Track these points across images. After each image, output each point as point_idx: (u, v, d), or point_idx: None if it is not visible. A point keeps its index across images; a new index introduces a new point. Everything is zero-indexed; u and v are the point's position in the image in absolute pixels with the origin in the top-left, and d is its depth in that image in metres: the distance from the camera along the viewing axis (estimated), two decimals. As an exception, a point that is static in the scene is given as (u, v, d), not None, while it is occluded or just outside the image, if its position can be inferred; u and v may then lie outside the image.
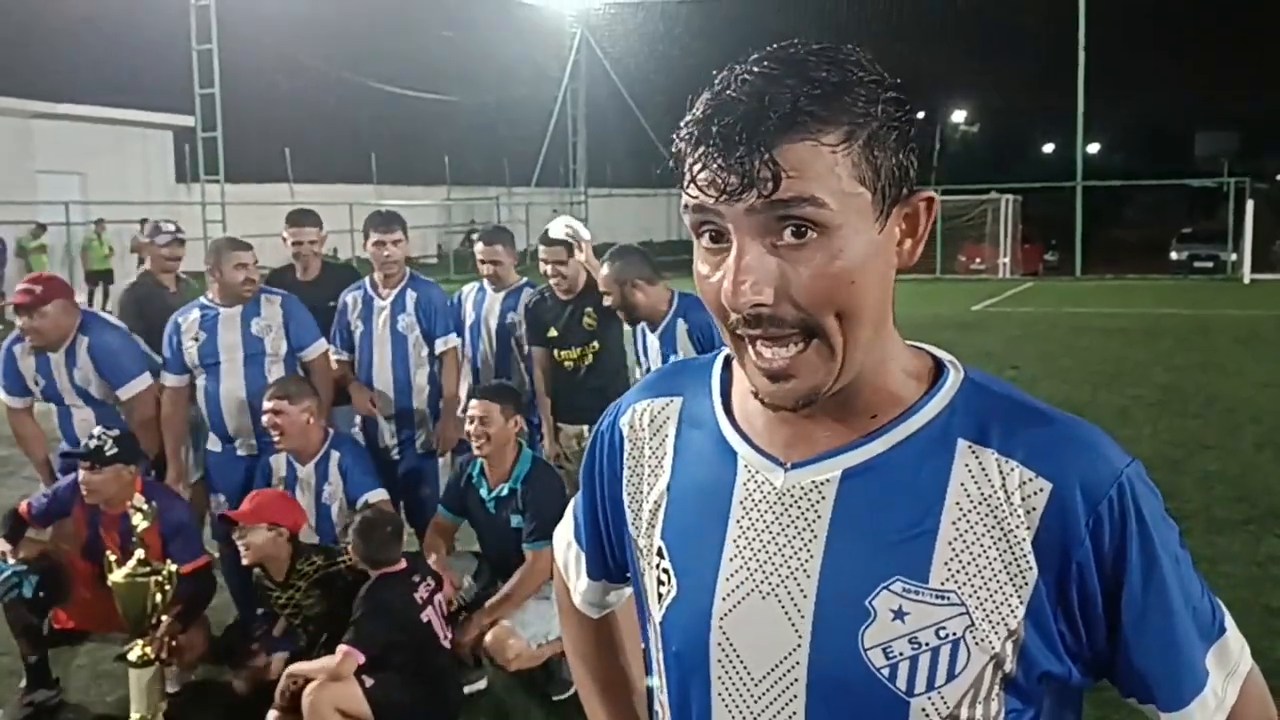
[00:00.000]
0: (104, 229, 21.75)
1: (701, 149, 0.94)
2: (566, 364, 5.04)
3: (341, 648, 3.63)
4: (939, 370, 1.06)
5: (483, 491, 4.39)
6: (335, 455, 4.49)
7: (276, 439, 4.41)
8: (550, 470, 4.48)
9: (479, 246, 5.43)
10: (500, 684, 4.37)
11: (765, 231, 0.93)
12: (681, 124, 0.99)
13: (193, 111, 24.33)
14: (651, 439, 1.17)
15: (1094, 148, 40.67)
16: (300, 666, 3.64)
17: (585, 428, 4.96)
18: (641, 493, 1.17)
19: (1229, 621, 1.07)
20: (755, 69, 0.95)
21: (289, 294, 4.89)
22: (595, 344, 4.97)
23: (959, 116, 64.60)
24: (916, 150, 0.99)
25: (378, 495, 4.44)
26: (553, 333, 5.05)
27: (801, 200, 0.91)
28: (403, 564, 3.89)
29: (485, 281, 5.40)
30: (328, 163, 34.27)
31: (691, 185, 0.96)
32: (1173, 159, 39.19)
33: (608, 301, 4.51)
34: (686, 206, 0.98)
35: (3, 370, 4.70)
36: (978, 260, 29.44)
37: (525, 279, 5.43)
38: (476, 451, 4.35)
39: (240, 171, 26.94)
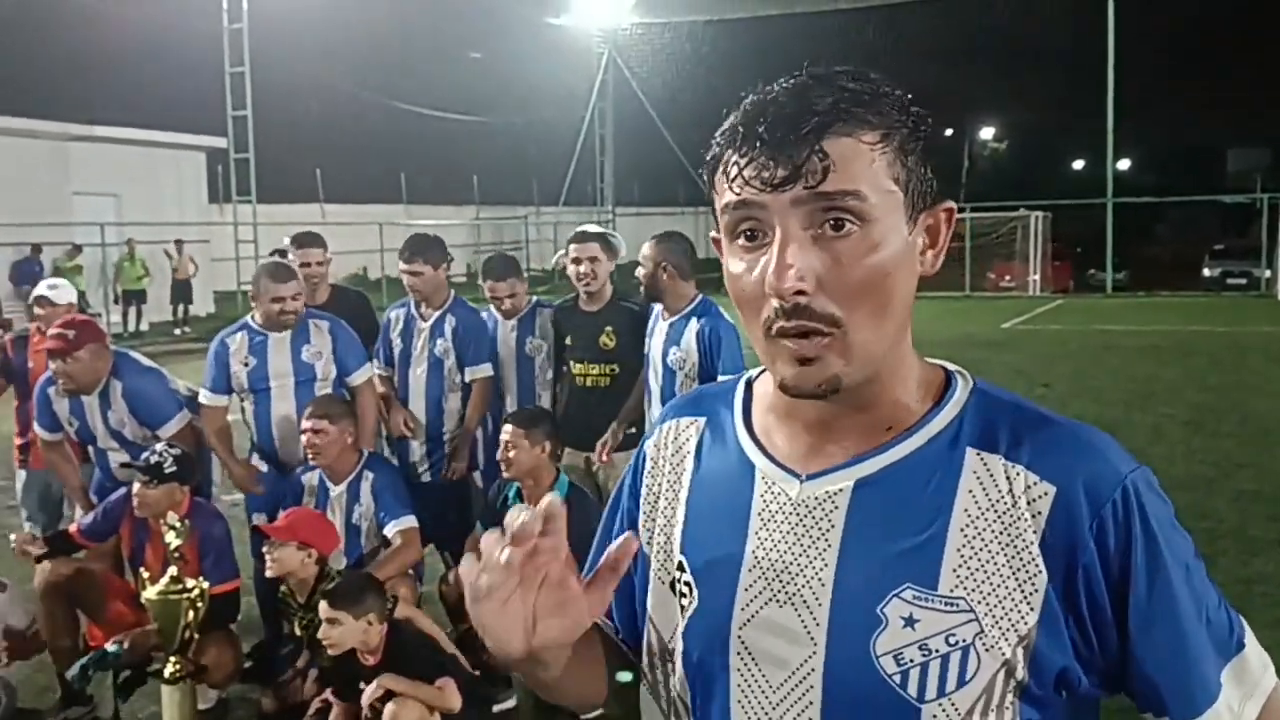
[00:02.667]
0: (135, 249, 22.01)
1: (747, 145, 0.98)
2: (578, 380, 4.95)
3: (445, 680, 3.61)
4: (949, 382, 1.09)
5: None
6: (369, 476, 4.50)
7: (314, 457, 4.44)
8: (586, 498, 4.44)
9: (489, 283, 5.25)
10: (529, 702, 4.37)
11: (808, 223, 0.97)
12: (718, 132, 1.04)
13: (225, 133, 24.60)
14: (673, 456, 1.20)
15: (1124, 164, 40.40)
16: (397, 684, 3.58)
17: (591, 456, 4.87)
18: (658, 509, 1.20)
19: (1250, 638, 1.06)
20: (788, 82, 1.01)
21: (336, 319, 4.87)
22: (613, 367, 4.87)
23: (987, 134, 64.33)
24: (935, 169, 1.03)
25: (406, 524, 4.40)
26: (569, 340, 5.00)
27: (845, 193, 0.96)
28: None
29: (492, 309, 5.30)
30: (358, 183, 34.56)
31: (733, 183, 1.00)
32: (1204, 175, 38.89)
33: (638, 271, 4.52)
34: (726, 207, 1.01)
35: (38, 408, 4.77)
36: (1007, 278, 29.29)
37: (535, 298, 5.37)
38: (505, 474, 4.37)
39: (272, 192, 27.20)
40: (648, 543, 1.21)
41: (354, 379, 4.80)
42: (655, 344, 4.56)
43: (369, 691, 3.59)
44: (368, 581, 3.79)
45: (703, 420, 1.20)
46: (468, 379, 5.08)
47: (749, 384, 1.19)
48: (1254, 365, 13.89)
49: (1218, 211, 39.52)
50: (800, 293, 0.97)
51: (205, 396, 4.79)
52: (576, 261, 4.90)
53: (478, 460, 5.20)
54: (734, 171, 1.00)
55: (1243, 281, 27.61)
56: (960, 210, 31.80)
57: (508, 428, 4.36)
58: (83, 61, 35.22)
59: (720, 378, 4.28)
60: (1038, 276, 29.29)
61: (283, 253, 5.62)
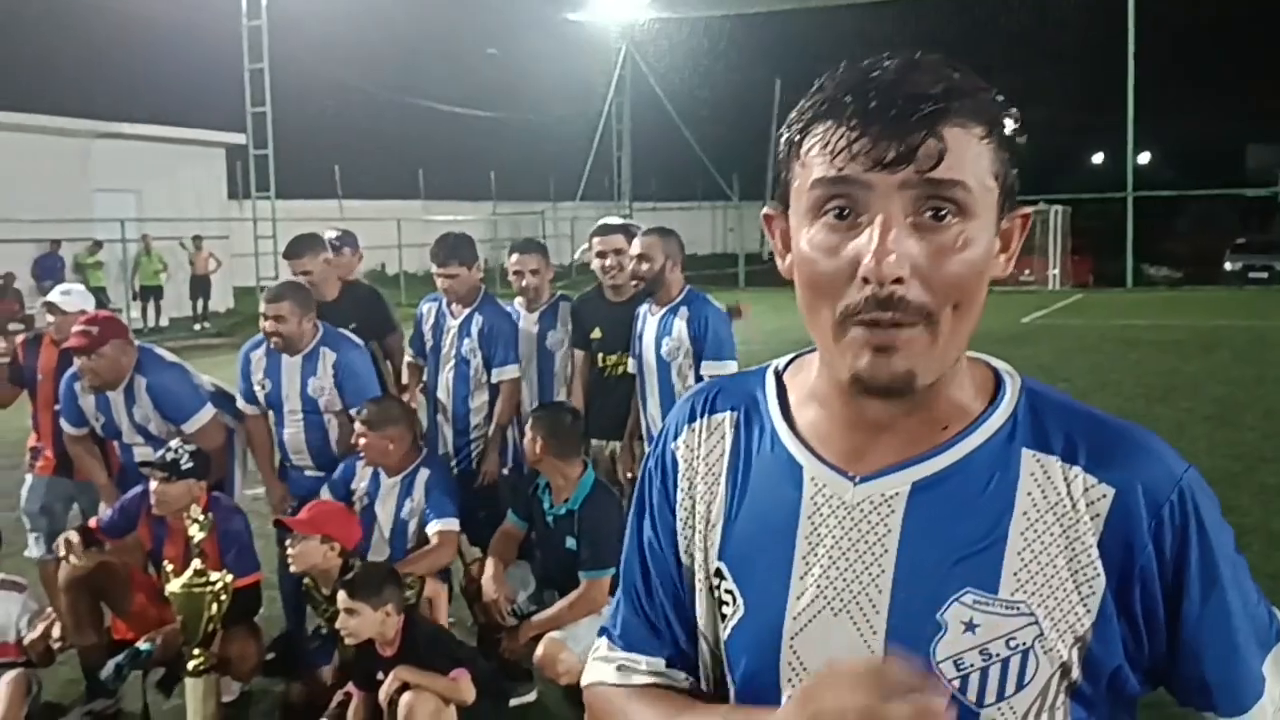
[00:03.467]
0: (151, 244, 22.11)
1: (857, 119, 0.93)
2: (609, 371, 4.93)
3: (460, 671, 3.64)
4: (997, 380, 1.07)
5: (545, 504, 4.42)
6: (425, 473, 4.53)
7: (365, 458, 4.50)
8: (610, 495, 4.46)
9: (514, 257, 5.19)
10: (550, 696, 4.39)
11: (910, 209, 0.94)
12: (807, 102, 0.98)
13: (244, 130, 24.69)
14: (707, 456, 1.15)
15: (1144, 158, 40.09)
16: (411, 675, 3.60)
17: (618, 445, 4.90)
18: (695, 513, 1.14)
19: None
20: (889, 62, 0.96)
21: (347, 348, 4.83)
22: None
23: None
24: (1020, 174, 1.01)
25: (447, 526, 4.42)
26: (597, 333, 4.97)
27: (954, 183, 0.93)
28: None
29: (517, 302, 5.27)
30: (376, 179, 34.65)
31: (834, 157, 0.94)
32: (1224, 170, 38.55)
33: (642, 267, 4.55)
34: (818, 181, 0.96)
35: (63, 403, 4.81)
36: (1026, 272, 29.14)
37: (559, 293, 5.33)
38: (529, 464, 4.39)
39: (291, 188, 27.28)
40: (687, 551, 1.16)
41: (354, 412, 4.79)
42: (646, 339, 4.61)
43: (386, 685, 3.61)
44: (386, 573, 3.81)
45: (735, 415, 1.14)
46: (494, 380, 5.06)
47: (778, 376, 1.14)
48: (1276, 359, 13.78)
49: (1238, 206, 39.20)
50: (898, 281, 0.92)
51: (241, 405, 4.91)
52: (602, 255, 4.89)
53: (507, 458, 5.22)
54: (839, 144, 0.94)
55: (1264, 276, 27.40)
56: (979, 204, 32.20)
57: (530, 419, 4.41)
58: (103, 59, 35.43)
59: (710, 363, 4.36)
60: (1057, 271, 29.13)
61: (335, 244, 5.67)
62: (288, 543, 4.09)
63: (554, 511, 4.38)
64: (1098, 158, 54.05)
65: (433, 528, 4.42)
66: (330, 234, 5.81)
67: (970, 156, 0.94)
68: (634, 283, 4.68)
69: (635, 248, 4.63)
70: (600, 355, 4.97)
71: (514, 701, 4.25)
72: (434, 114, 38.59)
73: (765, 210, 1.07)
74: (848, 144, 0.94)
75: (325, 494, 4.66)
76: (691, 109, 36.65)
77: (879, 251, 0.92)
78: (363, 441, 4.44)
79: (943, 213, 0.94)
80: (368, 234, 6.08)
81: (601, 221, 5.12)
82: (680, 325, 4.49)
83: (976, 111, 0.95)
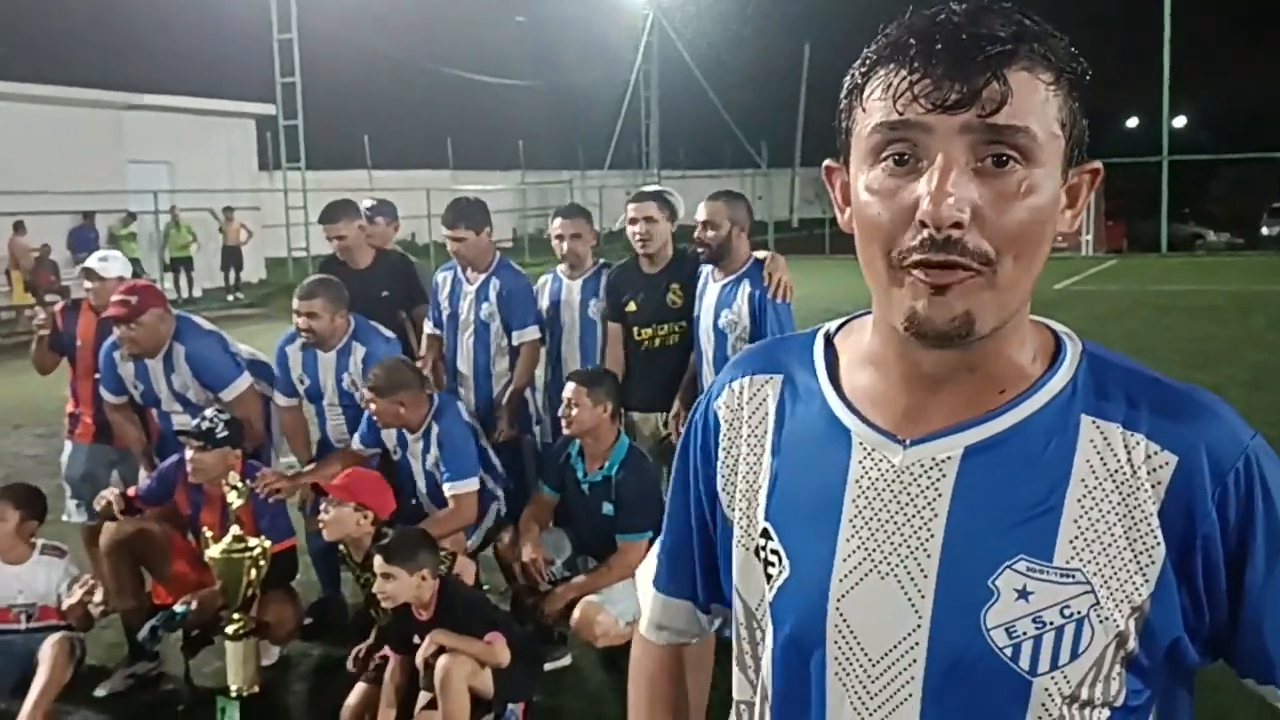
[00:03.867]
0: (179, 216, 22.26)
1: (920, 61, 0.91)
2: (644, 344, 4.87)
3: (495, 635, 3.68)
4: (1058, 344, 1.04)
5: (579, 473, 4.44)
6: (435, 429, 4.54)
7: (379, 423, 4.54)
8: (645, 459, 4.46)
9: (557, 221, 5.14)
10: (583, 660, 4.43)
11: (971, 154, 0.91)
12: (871, 48, 0.97)
13: (274, 100, 24.78)
14: (750, 417, 1.14)
15: (1180, 121, 39.50)
16: (447, 639, 3.64)
17: (660, 417, 4.86)
18: (738, 473, 1.14)
19: None
20: (959, 5, 0.94)
21: (377, 343, 4.87)
22: (682, 324, 4.77)
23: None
24: (1090, 126, 0.98)
25: (463, 488, 4.45)
26: (631, 306, 4.89)
27: (1016, 129, 0.91)
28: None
29: (560, 269, 5.23)
30: (405, 149, 34.76)
31: (897, 100, 0.92)
32: (1261, 134, 37.91)
33: (708, 234, 4.47)
34: (879, 126, 0.94)
35: (103, 372, 4.88)
36: (1059, 238, 28.79)
37: (602, 261, 5.26)
38: (565, 431, 4.41)
39: (321, 158, 27.41)
40: (729, 507, 1.16)
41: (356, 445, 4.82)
42: (706, 306, 4.51)
43: (423, 649, 3.66)
44: (421, 537, 3.85)
45: (779, 378, 1.13)
46: (515, 343, 5.10)
47: (828, 339, 1.13)
48: (1315, 325, 13.61)
49: (1275, 170, 38.60)
50: (957, 225, 0.90)
51: (278, 398, 4.97)
52: (634, 221, 4.84)
53: (529, 422, 5.24)
54: (902, 87, 0.92)
55: (1303, 239, 27.02)
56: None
57: (570, 386, 4.39)
58: (135, 32, 35.58)
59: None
60: (1090, 236, 28.80)
61: (370, 214, 5.69)
62: (321, 508, 4.13)
63: (589, 479, 4.40)
64: (1132, 121, 53.27)
65: (448, 490, 4.46)
66: (367, 203, 5.84)
67: (1036, 102, 0.92)
68: (700, 250, 4.56)
69: (701, 213, 4.52)
70: (635, 328, 4.90)
71: (548, 666, 4.29)
72: (462, 83, 38.56)
73: (826, 163, 1.05)
74: (909, 86, 0.92)
75: (356, 442, 4.74)
76: (719, 75, 36.44)
77: (937, 194, 0.90)
78: (373, 408, 4.47)
79: (1005, 159, 0.91)
80: (397, 203, 6.09)
81: (640, 189, 5.08)
82: (742, 300, 4.39)
83: (1045, 58, 0.92)
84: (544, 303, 5.22)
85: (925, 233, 0.91)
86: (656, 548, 1.33)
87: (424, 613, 3.72)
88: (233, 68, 28.16)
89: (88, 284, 5.13)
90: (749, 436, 1.14)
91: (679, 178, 37.41)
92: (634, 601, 4.51)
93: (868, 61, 0.97)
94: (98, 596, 4.11)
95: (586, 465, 4.42)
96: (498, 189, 31.17)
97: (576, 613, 4.14)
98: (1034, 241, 0.94)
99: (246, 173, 26.08)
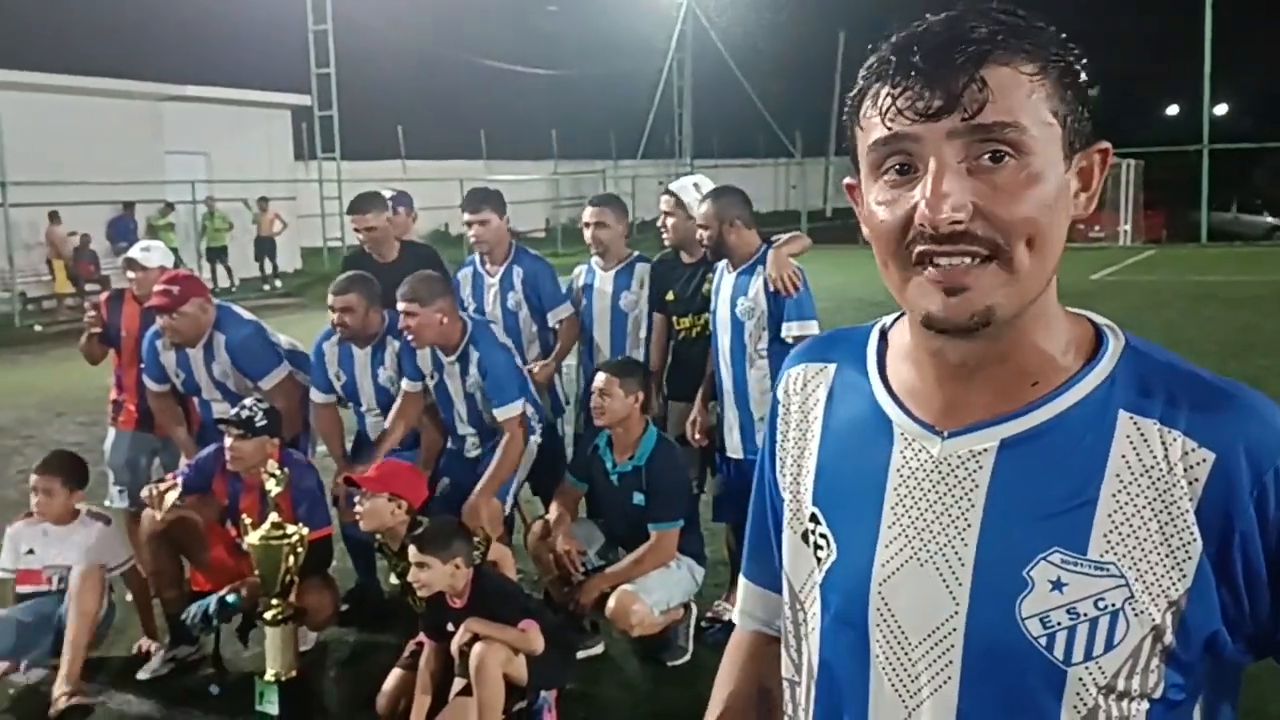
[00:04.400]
0: (215, 206, 22.46)
1: (899, 75, 0.95)
2: (682, 333, 4.91)
3: (528, 622, 3.72)
4: (1099, 337, 1.05)
5: (607, 463, 4.46)
6: (474, 355, 4.58)
7: (413, 341, 4.56)
8: (674, 450, 4.48)
9: (587, 211, 5.20)
10: (616, 649, 4.46)
11: (963, 155, 0.94)
12: (863, 69, 1.00)
13: (310, 91, 24.93)
14: (804, 404, 1.19)
15: (1221, 109, 38.90)
16: (482, 627, 3.69)
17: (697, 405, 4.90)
18: (790, 456, 1.20)
19: None
20: (940, 15, 0.97)
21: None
22: None
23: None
24: (1091, 109, 1.00)
25: (511, 411, 4.54)
26: (670, 296, 4.93)
27: (1004, 124, 0.93)
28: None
29: (594, 261, 5.24)
30: (438, 139, 34.82)
31: (884, 116, 0.96)
32: (1306, 120, 37.33)
33: (701, 235, 4.50)
34: (875, 143, 0.98)
35: (146, 360, 4.96)
36: (1096, 228, 28.52)
37: (636, 252, 5.28)
38: (597, 422, 4.43)
39: (355, 149, 27.54)
40: (783, 489, 1.21)
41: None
42: (722, 299, 4.51)
43: (457, 636, 3.70)
44: (454, 527, 3.90)
45: (832, 368, 1.18)
46: (552, 323, 5.16)
47: (883, 333, 1.16)
48: (1357, 316, 13.40)
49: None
50: (955, 223, 0.93)
51: (314, 394, 5.02)
52: (664, 213, 4.89)
53: (560, 403, 5.27)
54: (886, 104, 0.96)
55: (1346, 229, 26.57)
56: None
57: (601, 376, 4.41)
58: (174, 24, 35.90)
59: (792, 323, 4.28)
60: (1129, 226, 28.48)
61: (397, 204, 5.73)
62: (356, 500, 4.18)
63: (619, 469, 4.42)
64: (1172, 109, 52.57)
65: (499, 415, 4.54)
66: (386, 194, 5.88)
67: (1020, 96, 0.94)
68: (704, 248, 4.58)
69: (698, 214, 4.56)
70: (675, 318, 4.94)
71: (581, 653, 4.33)
72: (495, 73, 38.63)
73: (847, 180, 1.08)
74: (892, 101, 0.95)
75: (405, 384, 4.78)
76: (753, 64, 36.26)
77: (932, 198, 0.93)
78: (414, 321, 4.47)
79: (999, 155, 0.94)
80: (430, 194, 6.17)
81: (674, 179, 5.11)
82: (757, 285, 4.37)
83: (1025, 51, 0.94)
84: (578, 295, 5.25)
85: (926, 231, 0.95)
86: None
87: (458, 601, 3.77)
88: (269, 59, 28.33)
89: (130, 274, 5.22)
90: (800, 423, 1.19)
91: (712, 167, 37.29)
92: (667, 591, 4.56)
93: (859, 82, 1.00)
94: (171, 496, 4.35)
95: (615, 456, 4.44)
96: (531, 179, 31.21)
97: (611, 602, 4.16)
98: (1044, 228, 0.96)
99: (283, 163, 26.27)
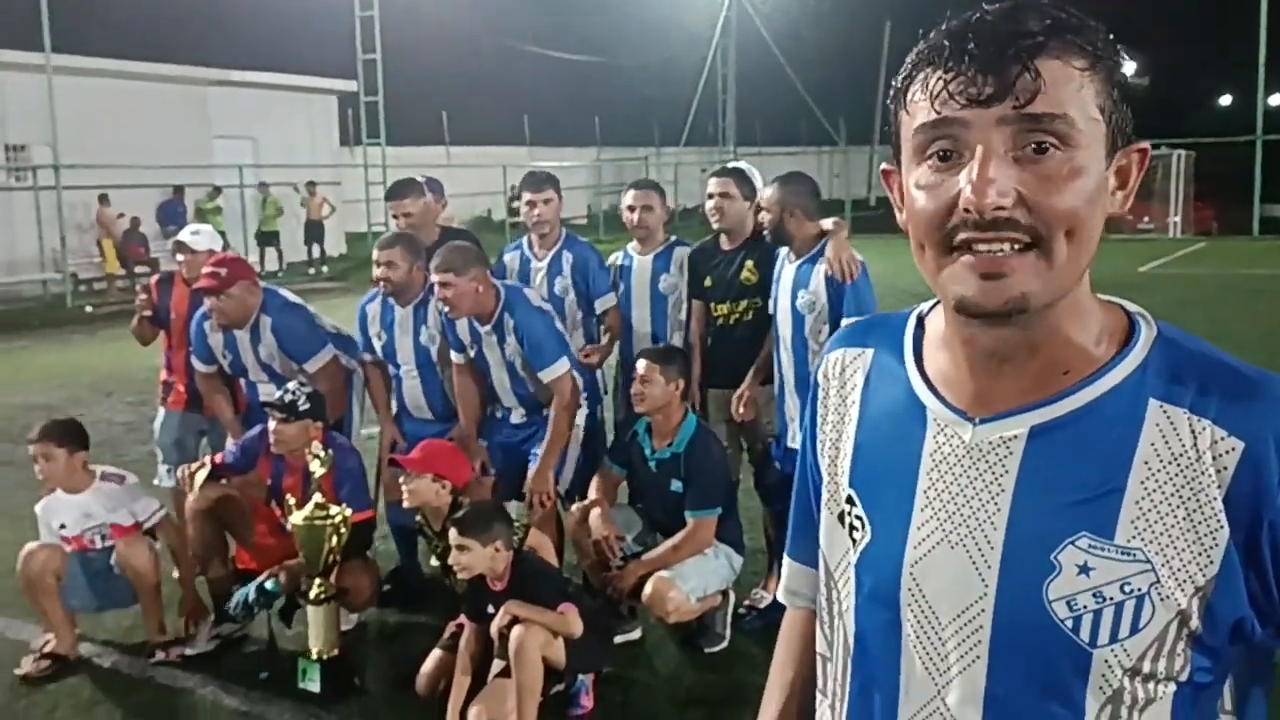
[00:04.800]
0: (268, 191, 22.72)
1: (954, 61, 0.96)
2: (720, 320, 4.88)
3: (567, 606, 3.76)
4: (1132, 326, 1.06)
5: (646, 450, 4.47)
6: (510, 321, 4.56)
7: (449, 311, 4.54)
8: (713, 438, 4.47)
9: (629, 194, 5.18)
10: (654, 634, 4.48)
11: (1010, 144, 0.95)
12: (913, 53, 1.02)
13: (355, 77, 25.10)
14: (842, 388, 1.22)
15: (1276, 99, 38.15)
16: (522, 610, 3.72)
17: (732, 394, 4.82)
18: (828, 438, 1.22)
19: None
20: (994, 5, 0.98)
21: None
22: (755, 301, 4.74)
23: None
24: (1133, 109, 1.01)
25: (557, 371, 4.52)
26: (708, 282, 4.90)
27: (1054, 116, 0.94)
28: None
29: (631, 246, 5.25)
30: (482, 126, 34.98)
31: (935, 100, 0.98)
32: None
33: (763, 217, 4.47)
34: (922, 126, 0.99)
35: (194, 342, 5.04)
36: (1145, 219, 28.10)
37: (675, 237, 5.27)
38: (636, 409, 4.44)
39: (400, 135, 27.71)
40: (822, 471, 1.24)
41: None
42: (783, 288, 4.47)
43: (497, 619, 3.74)
44: (494, 511, 3.93)
45: (870, 353, 1.20)
46: (598, 310, 5.17)
47: (920, 319, 1.18)
48: None
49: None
50: (1000, 209, 0.94)
51: (365, 355, 5.09)
52: (710, 196, 4.87)
53: (600, 393, 5.30)
54: (937, 87, 0.97)
55: (1404, 224, 25.99)
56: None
57: (642, 363, 4.42)
58: (222, 9, 36.25)
59: (849, 319, 4.23)
60: (1179, 218, 28.04)
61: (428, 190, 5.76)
62: (401, 481, 4.22)
63: (657, 456, 4.43)
64: (1225, 99, 51.69)
65: (544, 377, 4.53)
66: (419, 180, 5.91)
67: (1071, 90, 0.95)
68: (765, 232, 4.54)
69: (762, 198, 4.54)
70: (711, 304, 4.92)
71: (619, 638, 4.35)
72: (540, 59, 38.73)
73: (884, 166, 1.10)
74: (944, 85, 0.96)
75: (454, 355, 4.77)
76: (798, 52, 36.06)
77: (978, 182, 0.94)
78: (450, 291, 4.44)
79: (1045, 146, 0.95)
80: (474, 180, 6.20)
81: (720, 165, 5.09)
82: (818, 278, 4.31)
83: (1079, 46, 0.96)
84: (616, 280, 5.25)
85: (970, 218, 0.96)
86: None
87: (498, 584, 3.80)
88: (316, 45, 28.55)
89: (179, 257, 5.30)
90: (838, 406, 1.22)
91: (755, 155, 37.13)
92: (704, 579, 4.56)
93: (908, 67, 1.02)
94: (198, 477, 4.46)
95: (654, 442, 4.45)
96: (573, 165, 31.23)
97: (648, 588, 4.18)
98: (1084, 220, 0.97)
99: (328, 148, 26.50)
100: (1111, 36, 0.99)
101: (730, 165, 5.05)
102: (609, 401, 5.44)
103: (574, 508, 4.68)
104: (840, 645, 1.20)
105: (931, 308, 1.18)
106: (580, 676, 3.88)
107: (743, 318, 4.79)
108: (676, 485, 4.35)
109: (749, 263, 4.78)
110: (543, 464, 4.54)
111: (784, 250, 4.54)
